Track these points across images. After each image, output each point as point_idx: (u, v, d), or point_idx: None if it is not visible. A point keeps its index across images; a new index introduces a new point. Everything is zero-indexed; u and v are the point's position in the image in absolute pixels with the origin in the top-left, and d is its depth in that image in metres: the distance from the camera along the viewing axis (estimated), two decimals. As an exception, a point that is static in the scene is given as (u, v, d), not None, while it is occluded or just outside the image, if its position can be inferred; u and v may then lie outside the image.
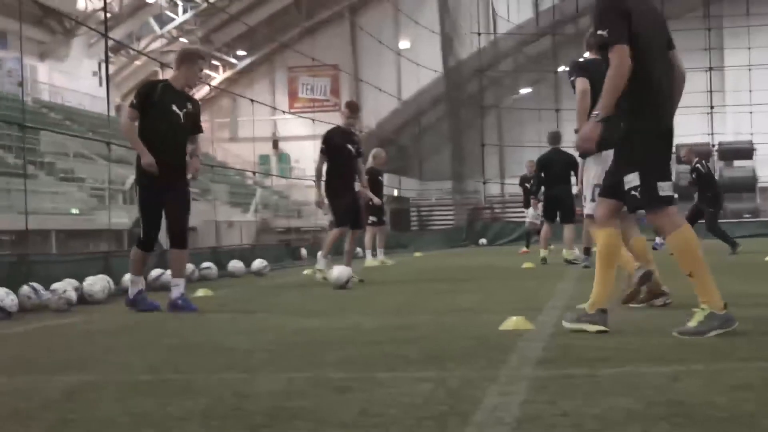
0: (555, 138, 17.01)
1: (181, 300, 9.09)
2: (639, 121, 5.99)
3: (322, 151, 13.34)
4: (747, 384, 4.04)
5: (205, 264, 14.74)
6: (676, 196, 6.35)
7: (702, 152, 19.62)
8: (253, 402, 4.01)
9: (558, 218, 16.68)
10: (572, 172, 15.65)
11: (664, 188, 5.93)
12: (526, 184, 23.69)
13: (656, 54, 6.04)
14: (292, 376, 4.72)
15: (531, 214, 22.66)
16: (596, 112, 5.95)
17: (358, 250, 21.80)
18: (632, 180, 5.91)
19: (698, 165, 19.57)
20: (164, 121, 9.11)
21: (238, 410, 3.83)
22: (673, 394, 3.85)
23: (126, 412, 3.86)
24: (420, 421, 3.47)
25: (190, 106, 9.34)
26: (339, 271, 11.59)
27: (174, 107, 9.14)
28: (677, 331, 5.70)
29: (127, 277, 10.31)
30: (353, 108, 14.02)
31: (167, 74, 46.19)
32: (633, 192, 5.92)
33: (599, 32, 5.96)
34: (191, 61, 9.48)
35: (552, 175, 16.52)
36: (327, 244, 13.73)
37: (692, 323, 5.69)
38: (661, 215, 5.97)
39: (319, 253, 13.84)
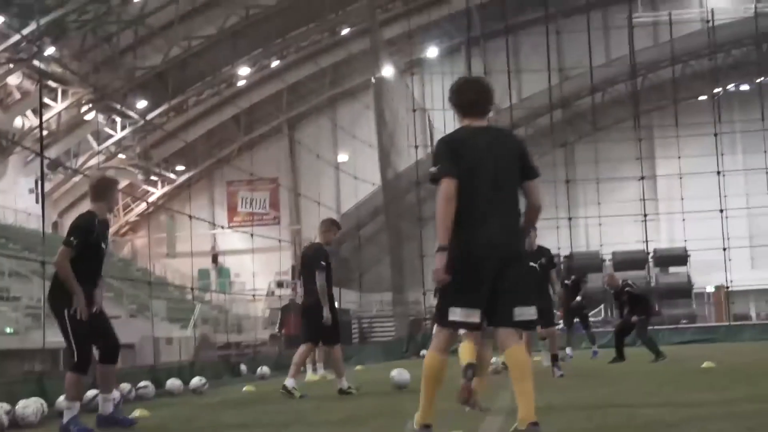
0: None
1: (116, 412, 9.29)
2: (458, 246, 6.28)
3: (323, 268, 13.19)
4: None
5: (143, 383, 14.46)
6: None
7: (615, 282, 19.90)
8: None
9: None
10: None
11: (461, 314, 6.28)
12: None
13: (477, 188, 6.36)
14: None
15: None
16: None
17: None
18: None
19: (628, 288, 19.88)
20: (97, 257, 9.28)
21: None
22: None
23: None
24: None
25: (108, 233, 9.49)
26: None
27: (103, 243, 9.28)
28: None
29: (61, 400, 10.10)
30: (338, 225, 14.13)
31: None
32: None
33: (431, 169, 6.46)
34: (112, 189, 9.67)
35: None
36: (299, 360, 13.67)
37: None
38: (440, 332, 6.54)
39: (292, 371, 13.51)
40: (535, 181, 6.59)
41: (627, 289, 19.81)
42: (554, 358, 15.12)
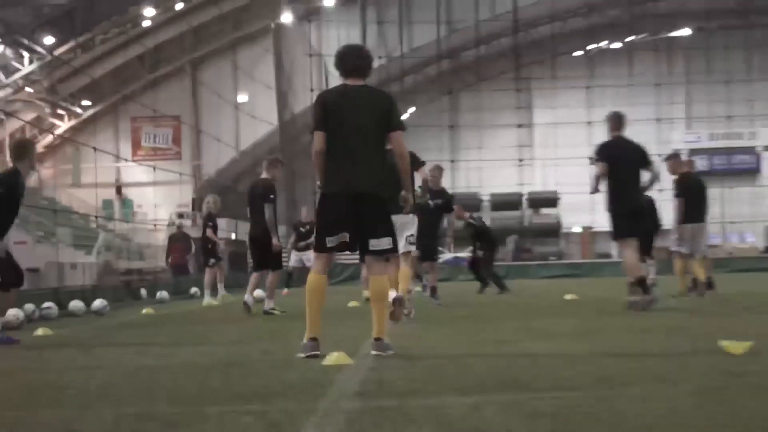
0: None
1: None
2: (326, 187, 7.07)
3: (272, 201, 14.06)
4: (539, 412, 4.15)
5: (46, 304, 14.36)
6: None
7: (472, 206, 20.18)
8: (83, 437, 3.92)
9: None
10: None
11: (329, 241, 6.93)
12: (301, 229, 24.10)
13: (345, 137, 6.97)
14: (123, 411, 4.63)
15: (294, 259, 23.78)
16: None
17: (197, 290, 21.58)
18: None
19: (471, 221, 20.15)
20: (15, 211, 9.74)
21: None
22: (474, 423, 3.92)
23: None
24: (241, 452, 3.46)
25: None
26: None
27: (21, 199, 9.78)
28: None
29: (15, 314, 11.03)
30: (282, 162, 14.96)
31: (11, 124, 44.72)
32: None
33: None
34: (32, 149, 10.34)
35: None
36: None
37: None
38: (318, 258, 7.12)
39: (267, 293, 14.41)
40: (398, 132, 7.12)
41: (470, 222, 20.09)
42: (433, 290, 15.37)
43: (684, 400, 4.41)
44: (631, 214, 12.37)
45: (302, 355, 6.84)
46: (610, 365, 5.96)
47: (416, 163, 11.82)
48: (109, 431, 4.06)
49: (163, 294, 21.05)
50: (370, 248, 6.97)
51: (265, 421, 4.15)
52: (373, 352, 6.82)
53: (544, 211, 55.18)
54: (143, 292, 21.72)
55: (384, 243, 6.98)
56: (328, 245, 6.96)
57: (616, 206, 12.37)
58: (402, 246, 10.72)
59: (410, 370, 5.97)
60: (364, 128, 6.99)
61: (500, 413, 4.16)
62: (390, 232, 7.07)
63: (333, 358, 6.42)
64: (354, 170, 6.95)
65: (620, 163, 11.98)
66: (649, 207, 21.67)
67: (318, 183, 7.23)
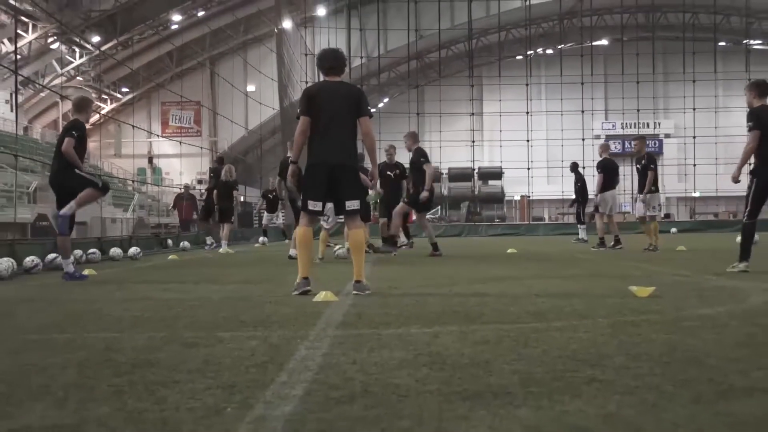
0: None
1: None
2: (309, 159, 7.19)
3: None
4: (485, 340, 4.14)
5: (91, 250, 14.25)
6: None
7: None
8: (120, 354, 3.87)
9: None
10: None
11: (311, 204, 7.09)
12: (269, 195, 24.33)
13: (324, 122, 7.09)
14: (152, 335, 4.59)
15: (266, 218, 24.71)
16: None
17: (210, 240, 21.47)
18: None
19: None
20: (84, 148, 9.92)
21: (108, 360, 3.70)
22: (433, 348, 3.90)
23: (15, 364, 3.67)
24: (247, 368, 3.42)
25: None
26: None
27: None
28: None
29: (31, 260, 10.96)
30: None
31: (65, 105, 44.28)
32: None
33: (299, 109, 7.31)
34: (89, 106, 10.38)
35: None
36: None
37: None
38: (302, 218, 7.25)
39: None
40: (365, 118, 7.21)
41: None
42: (391, 240, 15.51)
43: (601, 332, 4.41)
44: None
45: (296, 292, 6.89)
46: (543, 304, 5.96)
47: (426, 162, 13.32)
48: (140, 350, 4.01)
49: (185, 244, 20.93)
50: (347, 208, 7.11)
51: (268, 344, 4.12)
52: (354, 292, 6.86)
53: (491, 182, 55.27)
54: (169, 241, 21.61)
55: (355, 204, 7.14)
56: (310, 208, 7.11)
57: None
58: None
59: (384, 306, 5.95)
60: (339, 114, 7.12)
61: (454, 340, 4.15)
62: (359, 195, 7.22)
63: (322, 295, 6.39)
64: (331, 146, 7.09)
65: None
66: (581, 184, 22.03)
67: (289, 156, 7.49)
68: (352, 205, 7.11)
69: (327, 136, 7.10)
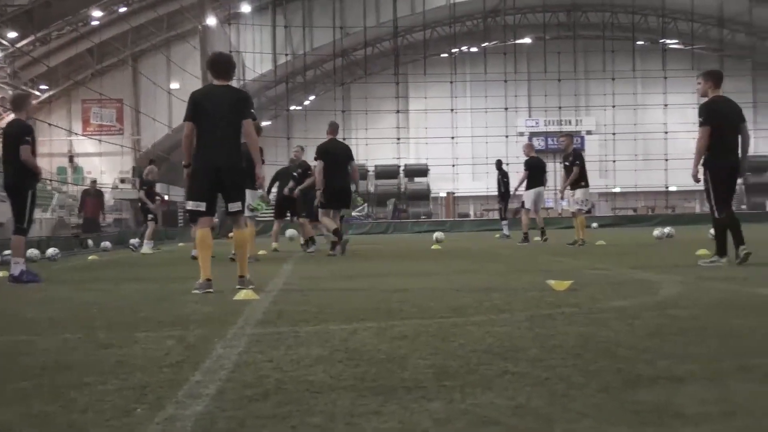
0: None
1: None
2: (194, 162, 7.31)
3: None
4: (403, 335, 4.16)
5: (6, 252, 13.86)
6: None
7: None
8: (31, 357, 3.78)
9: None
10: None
11: (192, 205, 7.31)
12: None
13: (209, 125, 7.26)
14: (67, 337, 4.49)
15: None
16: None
17: (136, 240, 21.08)
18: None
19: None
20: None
21: (17, 364, 3.61)
22: (351, 344, 3.91)
23: None
24: (161, 369, 3.37)
25: None
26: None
27: None
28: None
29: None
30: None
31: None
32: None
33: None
34: (28, 102, 10.01)
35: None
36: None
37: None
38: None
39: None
40: (247, 121, 7.40)
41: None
42: (312, 240, 15.73)
43: (518, 325, 4.47)
44: None
45: (198, 291, 7.02)
46: (463, 298, 6.02)
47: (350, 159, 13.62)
48: (53, 352, 3.92)
49: (106, 244, 20.55)
50: (230, 210, 7.34)
51: (184, 344, 4.07)
52: (237, 286, 7.12)
53: (417, 179, 55.54)
54: (90, 242, 21.19)
55: (237, 206, 7.36)
56: (190, 207, 7.36)
57: None
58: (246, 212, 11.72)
59: (304, 303, 5.93)
60: (224, 118, 7.29)
61: (372, 336, 4.16)
62: (241, 197, 7.43)
63: (242, 294, 6.35)
64: (216, 150, 7.25)
65: None
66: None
67: (184, 162, 7.50)
68: (234, 207, 7.34)
69: (213, 139, 7.26)
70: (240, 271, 7.39)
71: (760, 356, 3.34)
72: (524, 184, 17.80)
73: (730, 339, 3.84)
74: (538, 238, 17.68)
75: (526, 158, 18.00)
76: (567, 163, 16.35)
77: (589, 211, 16.68)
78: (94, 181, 27.48)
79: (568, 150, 16.43)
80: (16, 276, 9.19)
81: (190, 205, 7.36)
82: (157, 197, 19.15)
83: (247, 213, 12.48)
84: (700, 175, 9.26)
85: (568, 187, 16.32)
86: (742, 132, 9.20)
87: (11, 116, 9.90)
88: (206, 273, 7.14)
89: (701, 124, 9.05)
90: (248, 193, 12.32)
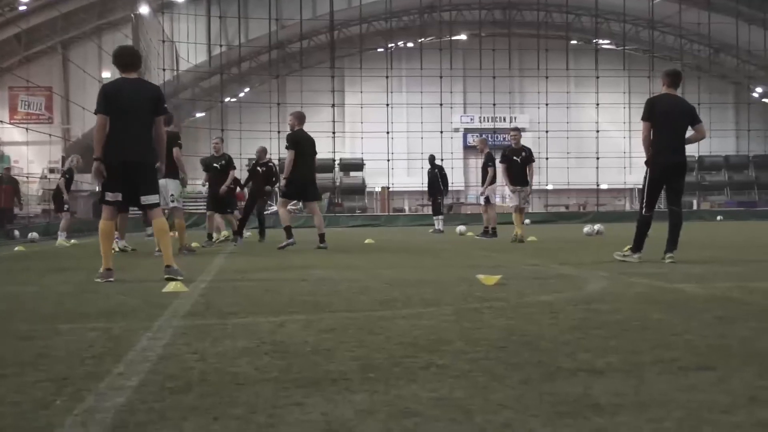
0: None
1: None
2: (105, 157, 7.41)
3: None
4: (331, 328, 4.17)
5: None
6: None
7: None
8: (-52, 349, 3.69)
9: None
10: None
11: (110, 196, 7.47)
12: None
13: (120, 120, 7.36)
14: (-14, 328, 4.39)
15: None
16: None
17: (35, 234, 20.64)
18: None
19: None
20: None
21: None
22: (278, 336, 3.91)
23: None
24: (83, 360, 3.33)
25: None
26: None
27: None
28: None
29: None
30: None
31: None
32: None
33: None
34: None
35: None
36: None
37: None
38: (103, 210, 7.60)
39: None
40: (161, 117, 7.60)
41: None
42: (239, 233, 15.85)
43: (445, 318, 4.52)
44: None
45: (100, 280, 7.19)
46: (393, 292, 6.05)
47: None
48: (-29, 345, 3.83)
49: (34, 235, 20.12)
50: (142, 202, 7.49)
51: (108, 335, 4.02)
52: (165, 276, 7.19)
53: (353, 173, 55.59)
54: (17, 233, 20.71)
55: (152, 198, 7.53)
56: (107, 199, 7.48)
57: None
58: (166, 203, 12.08)
59: (233, 295, 5.91)
60: (136, 112, 7.39)
61: (300, 329, 4.17)
62: (155, 190, 7.60)
63: (171, 286, 6.29)
64: (127, 143, 7.36)
65: None
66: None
67: (94, 155, 7.53)
68: (148, 200, 7.49)
69: (124, 133, 7.34)
70: (166, 260, 7.41)
71: (676, 349, 3.44)
72: (490, 179, 17.72)
73: (650, 333, 3.94)
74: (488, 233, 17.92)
75: (488, 152, 18.00)
76: (519, 159, 15.98)
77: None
78: (8, 168, 26.04)
79: (518, 145, 16.15)
80: None
81: (110, 197, 7.46)
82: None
83: (175, 203, 12.51)
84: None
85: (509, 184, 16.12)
86: (697, 131, 9.32)
87: None
88: (107, 262, 7.35)
89: (642, 119, 9.21)
90: (172, 183, 12.43)
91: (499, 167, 16.42)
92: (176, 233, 12.48)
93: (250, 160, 37.51)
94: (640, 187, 9.60)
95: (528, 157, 16.00)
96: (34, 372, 3.09)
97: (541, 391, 2.70)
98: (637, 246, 9.27)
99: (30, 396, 2.68)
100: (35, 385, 2.84)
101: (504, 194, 18.52)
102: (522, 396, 2.63)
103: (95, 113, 7.46)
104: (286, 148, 13.58)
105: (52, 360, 3.35)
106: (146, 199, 7.49)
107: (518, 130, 16.75)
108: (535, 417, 2.37)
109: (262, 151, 17.41)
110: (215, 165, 15.98)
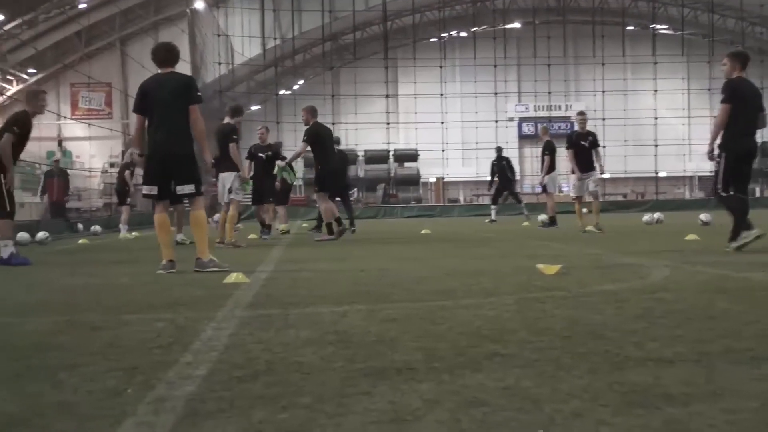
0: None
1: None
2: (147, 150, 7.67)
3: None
4: (392, 318, 4.17)
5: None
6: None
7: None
8: (21, 339, 3.78)
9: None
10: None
11: (146, 189, 7.71)
12: None
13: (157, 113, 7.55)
14: (56, 319, 4.49)
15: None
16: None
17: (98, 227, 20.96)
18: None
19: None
20: (24, 144, 9.75)
21: (7, 345, 3.61)
22: (340, 327, 3.92)
23: None
24: (151, 350, 3.38)
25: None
26: None
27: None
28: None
29: None
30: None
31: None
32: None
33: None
34: (38, 97, 10.01)
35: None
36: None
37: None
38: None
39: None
40: (195, 106, 7.63)
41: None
42: (264, 225, 15.19)
43: (506, 308, 4.50)
44: None
45: (163, 271, 7.34)
46: (452, 282, 6.04)
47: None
48: (43, 334, 3.92)
49: (96, 228, 20.50)
50: (178, 192, 7.58)
51: (174, 326, 4.08)
52: (195, 269, 7.39)
53: (407, 164, 55.45)
54: (80, 226, 21.12)
55: (187, 188, 7.58)
56: (143, 192, 7.76)
57: None
58: (226, 196, 12.31)
59: (293, 287, 5.94)
60: (171, 105, 7.52)
61: (362, 319, 4.18)
62: (193, 180, 7.63)
63: (233, 277, 6.35)
64: (165, 137, 7.49)
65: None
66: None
67: (137, 152, 8.01)
68: (183, 189, 7.57)
69: (161, 127, 7.51)
70: (198, 252, 7.56)
71: (746, 339, 3.37)
72: (547, 167, 17.54)
73: (718, 322, 3.86)
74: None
75: (548, 141, 17.78)
76: (587, 143, 15.08)
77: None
78: (56, 161, 25.69)
79: (584, 129, 15.23)
80: (5, 259, 9.18)
81: (145, 189, 7.70)
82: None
83: (233, 195, 12.42)
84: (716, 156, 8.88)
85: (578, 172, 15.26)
86: (760, 120, 9.06)
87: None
88: (168, 254, 7.50)
89: (722, 101, 8.78)
90: (231, 176, 12.36)
91: (566, 154, 15.46)
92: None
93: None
94: (703, 174, 9.32)
95: (594, 141, 15.22)
96: (104, 361, 3.15)
97: (609, 380, 2.66)
98: (744, 225, 8.71)
99: (103, 384, 2.73)
100: (107, 374, 2.90)
101: (559, 183, 18.19)
102: (590, 385, 2.60)
103: (133, 112, 7.76)
104: (304, 141, 13.36)
105: (122, 350, 3.41)
106: (181, 189, 7.59)
107: (584, 114, 15.91)
108: (605, 407, 2.34)
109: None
110: (261, 155, 15.09)
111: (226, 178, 12.30)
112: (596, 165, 15.33)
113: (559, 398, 2.44)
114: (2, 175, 9.42)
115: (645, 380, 2.65)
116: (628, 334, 3.54)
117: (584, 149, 15.12)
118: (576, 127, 15.64)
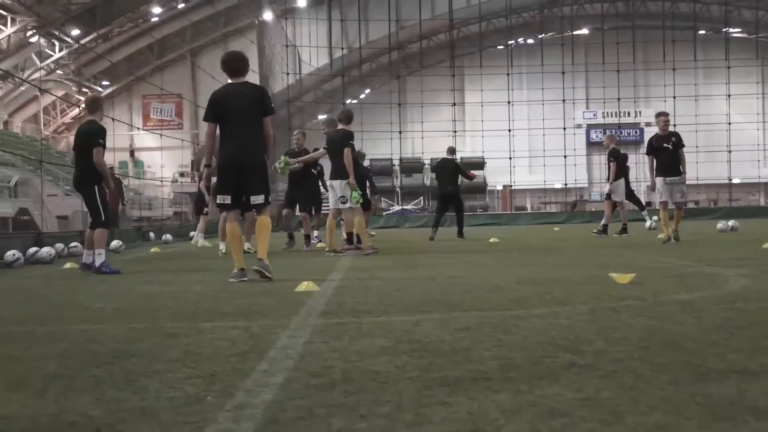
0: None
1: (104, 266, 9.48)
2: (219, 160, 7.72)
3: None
4: (466, 327, 4.15)
5: (73, 243, 14.21)
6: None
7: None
8: (101, 345, 3.86)
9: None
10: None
11: (220, 198, 7.72)
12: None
13: (229, 123, 7.60)
14: (133, 326, 4.57)
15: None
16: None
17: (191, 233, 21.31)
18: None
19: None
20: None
21: (88, 352, 3.68)
22: (414, 335, 3.91)
23: (-4, 356, 3.65)
24: (228, 358, 3.42)
25: None
26: None
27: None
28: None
29: (12, 254, 10.40)
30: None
31: (45, 99, 44.00)
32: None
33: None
34: (103, 103, 10.33)
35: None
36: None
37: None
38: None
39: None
40: (269, 117, 7.70)
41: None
42: (307, 237, 14.82)
43: (581, 317, 4.43)
44: None
45: (234, 280, 7.41)
46: (524, 291, 5.98)
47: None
48: (121, 340, 3.99)
49: (167, 236, 20.87)
50: (252, 202, 7.60)
51: (249, 333, 4.12)
52: (255, 268, 7.47)
53: (473, 172, 55.31)
54: (152, 235, 21.53)
55: (260, 198, 7.61)
56: (217, 202, 7.77)
57: None
58: (338, 204, 12.08)
59: (365, 295, 5.95)
60: (244, 114, 7.55)
61: (435, 328, 4.16)
62: (264, 190, 7.64)
63: (304, 285, 6.38)
64: (238, 147, 7.53)
65: None
66: None
67: (205, 161, 8.03)
68: (257, 199, 7.60)
69: (234, 137, 7.55)
70: (259, 253, 7.64)
71: (834, 350, 3.26)
72: (614, 174, 17.43)
73: (802, 333, 3.75)
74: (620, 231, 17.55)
75: (610, 149, 17.76)
76: (671, 145, 13.85)
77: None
78: (111, 168, 25.91)
79: (666, 131, 14.02)
80: (97, 267, 9.38)
81: (219, 199, 7.71)
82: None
83: (349, 204, 11.97)
84: None
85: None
86: None
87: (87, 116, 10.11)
88: (239, 263, 7.56)
89: None
90: (341, 184, 11.90)
91: (646, 160, 14.35)
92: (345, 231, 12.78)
93: (371, 161, 37.72)
94: None
95: (678, 142, 13.86)
96: (183, 368, 3.19)
97: (692, 392, 2.60)
98: None
99: (183, 391, 2.77)
100: (186, 381, 2.94)
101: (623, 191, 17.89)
102: (672, 397, 2.54)
103: (204, 120, 7.75)
104: (345, 146, 12.07)
105: (199, 357, 3.45)
106: (255, 199, 7.61)
107: (666, 114, 14.51)
108: (689, 420, 2.28)
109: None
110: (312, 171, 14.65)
111: (338, 186, 11.92)
112: (682, 168, 13.98)
113: (640, 410, 2.39)
114: (97, 187, 9.67)
115: (729, 393, 2.58)
116: (708, 345, 3.45)
117: (668, 152, 13.87)
118: (658, 130, 14.31)
